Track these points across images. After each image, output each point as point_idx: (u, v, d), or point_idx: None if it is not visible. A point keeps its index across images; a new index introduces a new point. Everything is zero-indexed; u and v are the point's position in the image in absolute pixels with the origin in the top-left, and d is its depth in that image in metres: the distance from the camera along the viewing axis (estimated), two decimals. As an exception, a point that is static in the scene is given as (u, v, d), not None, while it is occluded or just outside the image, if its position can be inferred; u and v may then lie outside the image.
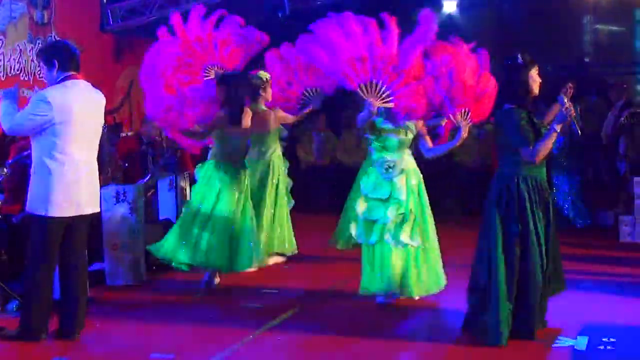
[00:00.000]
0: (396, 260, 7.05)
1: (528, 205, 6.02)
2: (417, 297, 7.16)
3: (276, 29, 13.36)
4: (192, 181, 10.03)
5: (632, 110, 11.79)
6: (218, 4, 11.96)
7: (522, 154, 6.00)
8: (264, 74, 8.81)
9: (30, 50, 10.64)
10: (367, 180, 7.26)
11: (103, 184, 8.29)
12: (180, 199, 9.53)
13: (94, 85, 6.48)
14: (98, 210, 6.50)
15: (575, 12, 16.72)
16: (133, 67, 12.92)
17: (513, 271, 6.03)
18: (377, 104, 7.00)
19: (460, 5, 14.76)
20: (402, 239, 7.03)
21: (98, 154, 8.42)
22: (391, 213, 7.04)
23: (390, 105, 7.05)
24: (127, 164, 9.62)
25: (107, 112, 9.07)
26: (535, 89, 6.12)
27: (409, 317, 7.07)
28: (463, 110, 7.01)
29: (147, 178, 9.33)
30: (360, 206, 7.19)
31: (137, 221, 8.34)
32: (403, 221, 7.07)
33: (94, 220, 8.06)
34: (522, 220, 6.03)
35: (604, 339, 6.16)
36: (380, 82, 7.00)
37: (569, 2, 15.87)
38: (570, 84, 11.31)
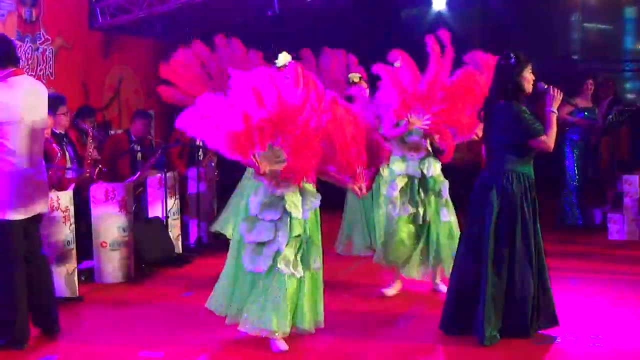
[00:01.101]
0: (291, 292, 5.93)
1: (519, 202, 6.05)
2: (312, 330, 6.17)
3: (263, 28, 13.40)
4: (181, 179, 10.03)
5: (620, 108, 11.82)
6: (203, 3, 11.99)
7: (536, 144, 6.02)
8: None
9: (18, 48, 10.61)
10: (254, 198, 6.02)
11: (89, 182, 8.32)
12: (169, 197, 9.52)
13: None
14: (47, 210, 6.41)
15: (564, 10, 16.77)
16: (122, 64, 12.93)
17: (502, 269, 6.05)
18: None
19: (449, 3, 14.78)
20: (297, 268, 5.95)
21: (78, 151, 8.42)
22: (284, 236, 5.92)
23: None
24: (99, 161, 9.51)
25: (97, 110, 9.08)
26: (528, 88, 6.13)
27: (396, 315, 7.07)
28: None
29: (136, 176, 9.32)
30: (247, 229, 5.98)
31: (126, 219, 8.34)
32: (301, 246, 6.02)
33: (83, 219, 8.11)
34: (513, 217, 6.05)
35: (591, 336, 6.18)
36: None
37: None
38: (590, 81, 11.46)
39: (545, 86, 6.14)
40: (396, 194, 7.56)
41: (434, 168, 7.60)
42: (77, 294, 7.59)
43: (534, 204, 6.15)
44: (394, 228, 7.61)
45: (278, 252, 5.89)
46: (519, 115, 6.01)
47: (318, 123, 5.75)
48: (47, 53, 11.07)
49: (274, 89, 5.60)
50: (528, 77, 6.12)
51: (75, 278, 7.63)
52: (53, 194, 7.46)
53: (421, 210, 7.55)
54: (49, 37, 11.11)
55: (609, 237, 10.73)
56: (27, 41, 10.77)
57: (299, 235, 5.96)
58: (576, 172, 11.53)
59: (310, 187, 6.09)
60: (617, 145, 12.10)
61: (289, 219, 5.92)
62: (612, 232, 10.77)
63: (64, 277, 7.49)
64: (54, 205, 7.38)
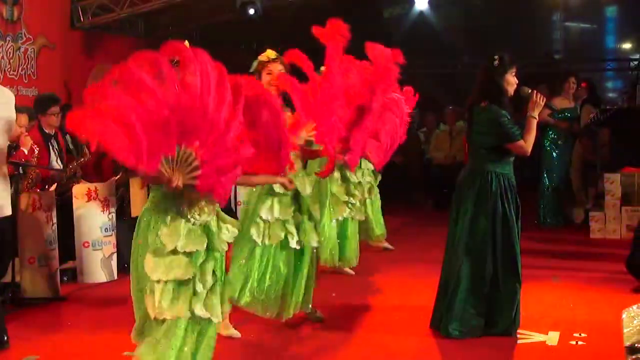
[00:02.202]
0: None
1: (499, 202, 6.08)
2: None
3: (246, 28, 13.39)
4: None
5: (603, 107, 11.86)
6: (185, 2, 11.96)
7: (514, 148, 6.07)
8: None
9: (0, 47, 10.57)
10: (166, 230, 4.58)
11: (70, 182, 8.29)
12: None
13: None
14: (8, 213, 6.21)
15: (545, 9, 16.83)
16: (103, 64, 12.89)
17: (484, 266, 6.09)
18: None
19: (431, 2, 14.82)
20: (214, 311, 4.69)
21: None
22: (208, 275, 4.67)
23: None
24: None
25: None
26: (511, 91, 6.17)
27: (383, 312, 7.08)
28: None
29: (118, 175, 9.29)
30: (150, 265, 4.54)
31: (108, 219, 8.32)
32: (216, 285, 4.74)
33: (66, 219, 8.07)
34: (492, 217, 6.09)
35: (575, 334, 6.21)
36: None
37: (539, -1, 16.04)
38: (572, 79, 11.51)
39: (529, 91, 6.18)
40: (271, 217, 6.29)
41: (308, 187, 6.58)
42: (60, 294, 7.57)
43: (516, 205, 6.19)
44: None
45: (196, 293, 4.64)
46: (498, 118, 6.04)
47: (234, 118, 4.48)
48: (29, 52, 11.02)
49: (167, 76, 4.35)
50: (511, 80, 6.15)
51: (58, 278, 7.61)
52: (35, 194, 7.45)
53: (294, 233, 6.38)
54: (31, 37, 11.06)
55: (590, 236, 10.78)
56: (9, 40, 10.73)
57: (214, 273, 4.73)
58: (555, 172, 11.59)
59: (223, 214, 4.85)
60: (599, 144, 12.13)
61: (210, 253, 4.72)
62: (594, 231, 10.81)
63: (47, 277, 7.47)
64: (36, 205, 7.36)
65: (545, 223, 11.57)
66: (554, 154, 11.55)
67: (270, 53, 6.17)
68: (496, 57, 6.14)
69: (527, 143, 6.06)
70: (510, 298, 6.11)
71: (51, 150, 8.37)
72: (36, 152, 8.01)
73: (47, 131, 8.40)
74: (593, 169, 11.91)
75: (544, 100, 6.16)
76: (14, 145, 7.74)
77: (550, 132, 11.47)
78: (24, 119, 7.82)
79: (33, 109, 8.46)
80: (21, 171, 7.57)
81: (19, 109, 7.83)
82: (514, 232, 6.12)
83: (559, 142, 11.53)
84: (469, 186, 6.18)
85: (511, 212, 6.11)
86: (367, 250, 9.73)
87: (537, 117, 6.11)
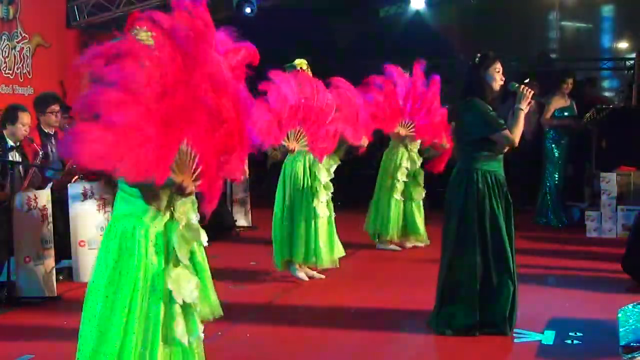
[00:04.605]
0: None
1: (487, 200, 6.09)
2: None
3: (241, 28, 13.38)
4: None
5: (598, 107, 11.88)
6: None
7: (498, 138, 6.07)
8: (300, 62, 8.18)
9: (-5, 46, 10.57)
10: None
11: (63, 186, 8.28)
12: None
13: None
14: None
15: (541, 9, 16.83)
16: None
17: (474, 265, 6.09)
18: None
19: (427, 1, 14.81)
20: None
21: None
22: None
23: None
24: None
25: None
26: (495, 86, 6.18)
27: (380, 311, 7.08)
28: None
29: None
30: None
31: (104, 218, 8.30)
32: None
33: (62, 218, 8.05)
34: (480, 215, 6.10)
35: (570, 333, 6.20)
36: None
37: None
38: (570, 80, 11.55)
39: (516, 85, 6.21)
40: None
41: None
42: (55, 294, 7.56)
43: (507, 202, 6.20)
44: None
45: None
46: (480, 110, 6.08)
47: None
48: (24, 51, 11.01)
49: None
50: (494, 75, 6.17)
51: (54, 277, 7.60)
52: (31, 193, 7.44)
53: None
54: (27, 35, 11.05)
55: (586, 235, 10.79)
56: (4, 39, 10.71)
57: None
58: (557, 171, 11.60)
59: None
60: (595, 143, 12.16)
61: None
62: (590, 230, 10.83)
63: (42, 276, 7.46)
64: (31, 204, 7.35)
65: (547, 222, 11.58)
66: (556, 152, 11.56)
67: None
68: (479, 53, 6.19)
69: (514, 134, 6.06)
70: (503, 296, 6.11)
71: (50, 152, 8.35)
72: (40, 155, 8.00)
73: (46, 131, 8.38)
74: (587, 168, 11.96)
75: (532, 93, 6.18)
76: (16, 146, 7.73)
77: (552, 131, 11.48)
78: (26, 117, 7.79)
79: (34, 108, 8.43)
80: (21, 171, 7.59)
81: (22, 108, 7.83)
82: (503, 229, 6.12)
83: (562, 141, 11.54)
84: (457, 185, 6.21)
85: (500, 209, 6.13)
86: (366, 249, 9.74)
87: (524, 110, 6.13)
